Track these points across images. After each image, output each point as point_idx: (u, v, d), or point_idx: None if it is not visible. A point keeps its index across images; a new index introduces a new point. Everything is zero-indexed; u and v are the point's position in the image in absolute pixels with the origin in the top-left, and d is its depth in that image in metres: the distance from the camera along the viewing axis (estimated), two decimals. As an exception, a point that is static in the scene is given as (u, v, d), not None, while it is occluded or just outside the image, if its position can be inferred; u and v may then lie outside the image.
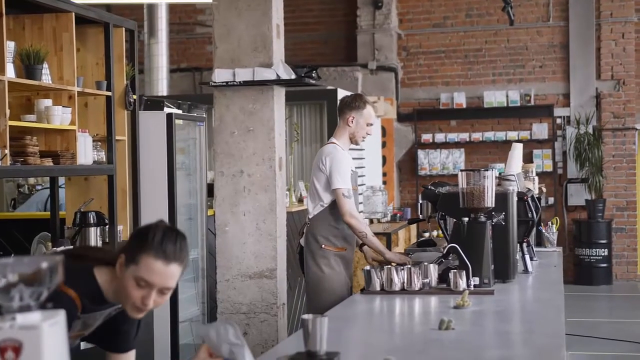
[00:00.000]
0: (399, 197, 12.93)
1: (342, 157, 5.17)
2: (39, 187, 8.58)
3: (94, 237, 5.36)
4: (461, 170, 4.43)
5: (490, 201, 4.36)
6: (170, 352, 6.14)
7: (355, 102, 5.30)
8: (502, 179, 5.12)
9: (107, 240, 5.54)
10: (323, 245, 5.18)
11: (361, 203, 9.77)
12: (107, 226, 5.50)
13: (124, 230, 5.77)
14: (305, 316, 2.74)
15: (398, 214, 10.98)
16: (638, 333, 8.90)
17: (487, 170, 4.38)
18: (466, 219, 4.37)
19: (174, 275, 2.54)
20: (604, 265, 12.14)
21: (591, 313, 10.33)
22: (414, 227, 11.16)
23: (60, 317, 1.78)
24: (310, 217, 5.30)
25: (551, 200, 12.45)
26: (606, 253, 12.13)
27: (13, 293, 1.74)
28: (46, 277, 1.76)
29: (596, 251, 12.11)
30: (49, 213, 5.72)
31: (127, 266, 2.55)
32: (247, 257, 5.59)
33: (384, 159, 12.34)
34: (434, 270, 4.31)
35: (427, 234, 12.26)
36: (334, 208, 5.17)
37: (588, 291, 11.76)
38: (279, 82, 5.67)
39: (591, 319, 9.88)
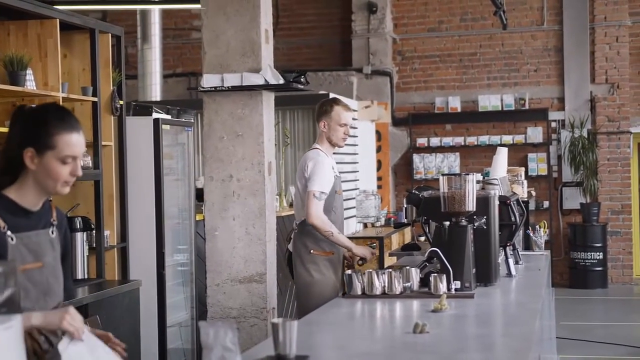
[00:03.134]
0: (394, 201, 12.94)
1: (324, 162, 5.27)
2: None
3: (80, 242, 5.37)
4: (442, 175, 4.44)
5: (471, 205, 4.37)
6: (157, 357, 6.15)
7: (323, 107, 5.41)
8: (485, 183, 5.14)
9: (94, 245, 5.55)
10: (312, 251, 5.26)
11: (353, 207, 9.80)
12: (93, 231, 5.52)
13: (110, 236, 5.79)
14: (275, 320, 2.76)
15: (392, 218, 11.00)
16: (633, 336, 8.91)
17: (468, 174, 4.39)
18: (447, 222, 4.38)
19: (83, 140, 2.75)
20: (599, 268, 12.15)
21: (586, 317, 10.34)
22: (408, 231, 11.17)
23: (15, 321, 1.80)
24: (297, 222, 5.37)
25: (546, 204, 12.45)
26: (601, 256, 12.13)
27: (-34, 298, 1.76)
28: (0, 282, 1.78)
29: (591, 255, 12.11)
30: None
31: (41, 155, 2.66)
32: (237, 261, 5.61)
33: (379, 163, 12.36)
34: (415, 274, 4.32)
35: (422, 238, 12.26)
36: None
37: (583, 295, 11.76)
38: (267, 87, 5.69)
39: (586, 322, 9.89)
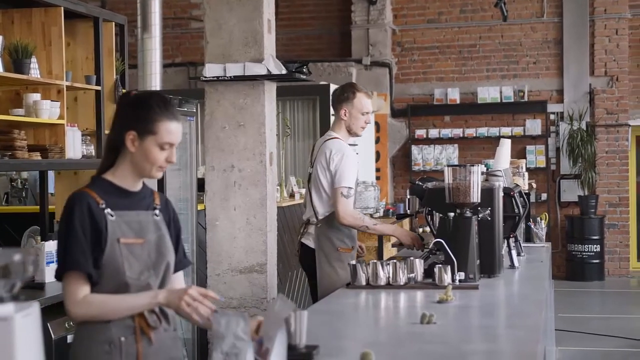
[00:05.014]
0: (392, 192, 12.95)
1: (350, 155, 5.03)
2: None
3: (83, 230, 5.36)
4: (447, 166, 4.44)
5: (476, 196, 4.37)
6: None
7: (344, 93, 5.16)
8: (489, 174, 5.14)
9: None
10: (339, 248, 5.06)
11: (354, 198, 9.79)
12: (96, 220, 5.50)
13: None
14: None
15: (391, 210, 11.00)
16: (629, 328, 8.94)
17: (473, 165, 4.39)
18: (452, 214, 4.38)
19: (181, 129, 2.86)
20: (596, 261, 12.18)
21: (583, 309, 10.37)
22: (407, 222, 11.18)
23: (33, 309, 1.80)
24: (319, 217, 5.11)
25: (544, 196, 12.47)
26: (598, 249, 12.16)
27: (-15, 285, 1.76)
28: (19, 269, 1.78)
29: (588, 247, 12.14)
30: (38, 207, 5.72)
31: (142, 139, 2.79)
32: (238, 251, 5.61)
33: (378, 154, 12.36)
34: (419, 265, 4.32)
35: (420, 230, 12.28)
36: None
37: (580, 287, 11.80)
38: (269, 77, 5.68)
39: (583, 314, 9.92)
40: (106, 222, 2.76)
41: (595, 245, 12.14)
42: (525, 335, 3.08)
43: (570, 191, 12.48)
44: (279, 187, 8.19)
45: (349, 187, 4.95)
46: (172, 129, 2.79)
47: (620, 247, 12.52)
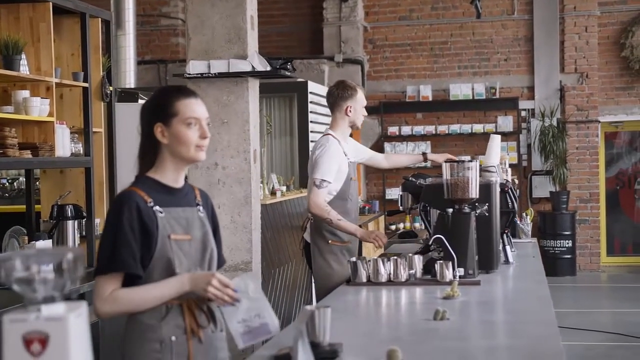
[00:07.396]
0: (365, 190, 12.96)
1: (331, 149, 5.09)
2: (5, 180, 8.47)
3: (72, 230, 5.29)
4: (445, 161, 4.44)
5: (474, 192, 4.37)
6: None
7: (347, 91, 5.25)
8: (483, 170, 5.14)
9: (84, 233, 5.47)
10: (330, 241, 5.11)
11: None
12: (84, 219, 5.43)
13: (101, 224, 5.70)
14: (309, 307, 2.73)
15: (366, 207, 11.02)
16: (602, 323, 9.04)
17: (471, 161, 4.40)
18: (450, 210, 4.37)
19: (204, 106, 2.86)
20: (568, 256, 12.29)
21: (556, 303, 10.30)
22: (382, 219, 11.20)
23: (83, 308, 1.76)
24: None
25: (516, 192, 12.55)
26: (570, 244, 12.27)
27: (37, 284, 1.71)
28: (71, 268, 1.74)
29: (560, 242, 12.24)
30: (24, 207, 5.62)
31: (169, 125, 2.79)
32: (223, 250, 5.56)
33: (351, 151, 12.33)
34: (418, 262, 4.31)
35: (393, 227, 12.32)
36: (337, 201, 5.09)
37: (552, 282, 11.74)
38: (254, 74, 5.64)
39: (556, 309, 9.91)
40: (156, 219, 2.75)
41: (567, 241, 12.25)
42: (544, 331, 3.07)
43: (542, 187, 12.58)
44: (261, 185, 8.14)
45: (322, 179, 5.02)
46: (192, 105, 2.81)
47: (591, 242, 12.65)
